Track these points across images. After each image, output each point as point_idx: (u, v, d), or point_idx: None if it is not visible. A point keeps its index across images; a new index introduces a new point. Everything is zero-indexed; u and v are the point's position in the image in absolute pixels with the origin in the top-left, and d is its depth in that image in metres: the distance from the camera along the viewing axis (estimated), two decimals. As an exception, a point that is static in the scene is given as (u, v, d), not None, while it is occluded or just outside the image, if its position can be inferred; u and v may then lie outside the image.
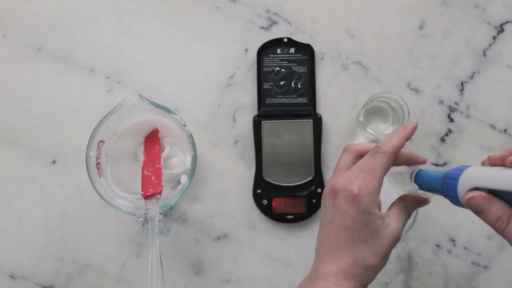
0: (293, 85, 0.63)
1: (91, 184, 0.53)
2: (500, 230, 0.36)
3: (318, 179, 0.62)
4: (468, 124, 0.63)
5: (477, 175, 0.37)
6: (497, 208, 0.36)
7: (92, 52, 0.64)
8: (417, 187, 0.45)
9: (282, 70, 0.63)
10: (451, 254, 0.62)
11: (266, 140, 0.62)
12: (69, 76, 0.64)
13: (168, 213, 0.63)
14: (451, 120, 0.63)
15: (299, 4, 0.64)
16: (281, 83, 0.63)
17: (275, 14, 0.64)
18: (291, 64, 0.63)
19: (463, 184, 0.38)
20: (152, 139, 0.59)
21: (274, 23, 0.64)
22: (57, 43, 0.64)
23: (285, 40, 0.63)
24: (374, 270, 0.43)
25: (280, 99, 0.63)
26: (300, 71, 0.63)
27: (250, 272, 0.62)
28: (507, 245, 0.62)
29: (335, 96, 0.64)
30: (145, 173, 0.56)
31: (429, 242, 0.62)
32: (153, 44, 0.64)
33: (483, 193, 0.36)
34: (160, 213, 0.52)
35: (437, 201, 0.48)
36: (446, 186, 0.40)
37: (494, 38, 0.64)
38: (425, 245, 0.62)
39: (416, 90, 0.63)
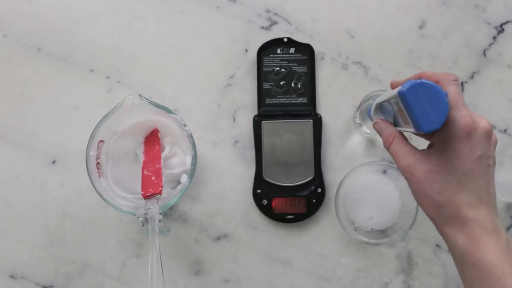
0: (293, 85, 0.63)
1: (91, 184, 0.53)
2: (387, 146, 0.45)
3: (318, 179, 0.62)
4: (468, 124, 0.63)
5: (377, 99, 0.50)
6: (388, 130, 0.46)
7: (92, 52, 0.64)
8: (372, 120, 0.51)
9: (282, 70, 0.63)
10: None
11: (266, 140, 0.62)
12: (69, 76, 0.64)
13: (168, 213, 0.63)
14: (451, 120, 0.63)
15: (299, 4, 0.64)
16: (281, 83, 0.63)
17: (275, 14, 0.64)
18: (291, 64, 0.63)
19: (373, 106, 0.51)
20: (152, 139, 0.59)
21: (274, 23, 0.64)
22: (57, 43, 0.64)
23: (285, 40, 0.63)
24: None
25: (280, 99, 0.63)
26: (300, 71, 0.63)
27: (250, 272, 0.62)
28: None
29: (335, 96, 0.64)
30: (145, 173, 0.56)
31: (429, 242, 0.62)
32: (153, 44, 0.64)
33: (382, 120, 0.48)
34: (160, 213, 0.52)
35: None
36: (368, 112, 0.54)
37: (494, 38, 0.64)
38: (425, 245, 0.62)
39: (416, 90, 0.63)
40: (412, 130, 0.41)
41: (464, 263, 0.41)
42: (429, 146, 0.45)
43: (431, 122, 0.39)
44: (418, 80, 0.39)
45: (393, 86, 0.48)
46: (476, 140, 0.41)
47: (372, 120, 0.51)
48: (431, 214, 0.43)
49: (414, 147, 0.44)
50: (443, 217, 0.42)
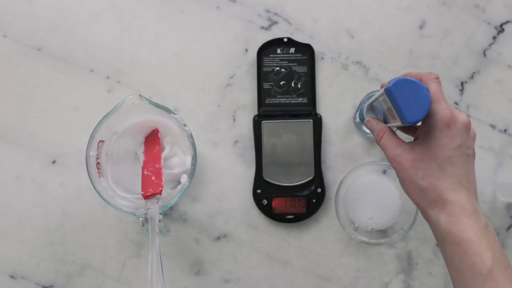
0: (293, 85, 0.63)
1: (91, 184, 0.53)
2: (377, 140, 0.50)
3: (318, 179, 0.62)
4: (468, 124, 0.63)
5: (370, 99, 0.54)
6: (379, 126, 0.50)
7: (92, 52, 0.64)
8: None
9: (282, 70, 0.63)
10: (451, 254, 0.62)
11: (266, 140, 0.62)
12: (69, 76, 0.64)
13: (168, 213, 0.63)
14: (451, 120, 0.63)
15: (299, 4, 0.64)
16: (281, 83, 0.63)
17: (275, 14, 0.64)
18: (291, 64, 0.63)
19: (366, 106, 0.55)
20: (152, 139, 0.59)
21: (274, 23, 0.64)
22: (57, 43, 0.64)
23: (285, 40, 0.63)
24: None
25: (280, 99, 0.63)
26: (300, 71, 0.63)
27: (250, 272, 0.62)
28: (506, 244, 0.62)
29: (335, 96, 0.64)
30: (145, 173, 0.56)
31: (429, 242, 0.62)
32: (153, 44, 0.64)
33: (373, 118, 0.52)
34: (160, 213, 0.52)
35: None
36: (361, 114, 0.58)
37: (494, 38, 0.64)
38: (425, 245, 0.62)
39: (416, 90, 0.63)
40: (399, 123, 0.45)
41: (446, 241, 0.45)
42: (414, 139, 0.49)
43: (415, 114, 0.43)
44: (402, 77, 0.44)
45: (382, 87, 0.51)
46: (455, 130, 0.45)
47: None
48: (416, 198, 0.47)
49: (402, 140, 0.48)
50: (426, 200, 0.46)
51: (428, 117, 0.45)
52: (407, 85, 0.43)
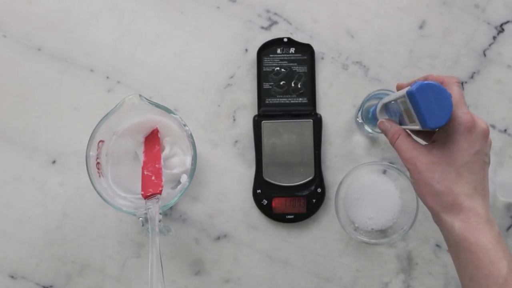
0: (293, 85, 0.63)
1: (91, 184, 0.53)
2: (392, 142, 0.49)
3: (318, 179, 0.62)
4: (468, 124, 0.63)
5: (383, 99, 0.53)
6: (394, 128, 0.49)
7: (92, 52, 0.64)
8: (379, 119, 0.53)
9: (282, 70, 0.63)
10: (451, 254, 0.62)
11: (266, 140, 0.62)
12: (69, 76, 0.64)
13: (168, 213, 0.63)
14: (451, 120, 0.63)
15: (299, 4, 0.64)
16: (281, 83, 0.63)
17: (275, 14, 0.64)
18: (291, 64, 0.63)
19: (379, 106, 0.54)
20: (152, 139, 0.59)
21: (274, 23, 0.64)
22: (57, 43, 0.64)
23: (285, 40, 0.63)
24: None
25: (280, 99, 0.63)
26: (300, 71, 0.63)
27: (250, 272, 0.62)
28: (506, 244, 0.62)
29: (335, 96, 0.64)
30: (145, 173, 0.56)
31: (429, 242, 0.62)
32: (153, 44, 0.64)
33: (387, 119, 0.51)
34: (160, 213, 0.52)
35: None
36: (374, 112, 0.57)
37: (494, 38, 0.64)
38: (425, 245, 0.62)
39: (416, 90, 0.63)
40: (417, 127, 0.44)
41: (460, 247, 0.44)
42: (431, 142, 0.48)
43: (437, 119, 0.43)
44: (426, 81, 0.43)
45: (398, 88, 0.52)
46: (475, 136, 0.44)
47: (377, 119, 0.54)
48: (430, 202, 0.46)
49: (418, 142, 0.48)
50: (441, 205, 0.45)
51: (449, 121, 0.44)
52: (431, 90, 0.42)
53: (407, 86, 0.45)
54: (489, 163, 0.46)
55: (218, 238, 0.63)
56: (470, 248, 0.43)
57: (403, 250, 0.62)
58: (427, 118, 0.42)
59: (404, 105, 0.46)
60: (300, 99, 0.63)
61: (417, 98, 0.43)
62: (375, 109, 0.56)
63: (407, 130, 0.49)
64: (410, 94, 0.43)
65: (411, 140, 0.48)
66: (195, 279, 0.62)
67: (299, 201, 0.62)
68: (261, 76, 0.63)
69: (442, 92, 0.42)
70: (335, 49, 0.64)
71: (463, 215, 0.44)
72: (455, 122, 0.44)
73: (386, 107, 0.54)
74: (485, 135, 0.45)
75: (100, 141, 0.55)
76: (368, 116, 0.60)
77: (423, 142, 0.49)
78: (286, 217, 0.62)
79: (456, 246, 0.45)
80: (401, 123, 0.50)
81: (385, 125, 0.51)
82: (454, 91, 0.45)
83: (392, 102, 0.50)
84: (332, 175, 0.63)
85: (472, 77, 0.64)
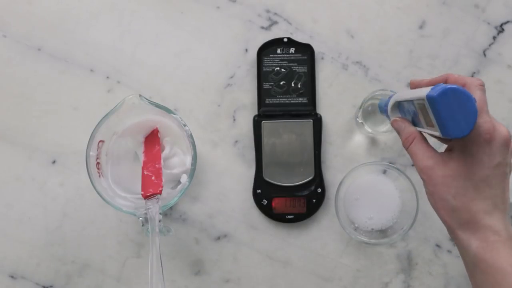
0: (293, 85, 0.63)
1: (91, 184, 0.53)
2: (406, 146, 0.45)
3: (318, 179, 0.62)
4: (468, 124, 0.63)
5: (396, 96, 0.48)
6: (408, 130, 0.45)
7: (92, 52, 0.64)
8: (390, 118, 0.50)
9: (282, 70, 0.63)
10: (451, 254, 0.62)
11: (266, 140, 0.62)
12: (69, 76, 0.64)
13: (168, 213, 0.63)
14: (451, 120, 0.63)
15: (299, 4, 0.64)
16: (281, 83, 0.63)
17: (275, 14, 0.64)
18: (291, 64, 0.63)
19: (391, 103, 0.49)
20: (152, 139, 0.59)
21: (274, 23, 0.64)
22: (57, 43, 0.64)
23: (285, 40, 0.63)
24: None
25: (280, 99, 0.63)
26: (300, 71, 0.63)
27: (250, 272, 0.62)
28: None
29: (335, 96, 0.64)
30: (145, 173, 0.56)
31: (429, 242, 0.62)
32: (153, 44, 0.64)
33: (402, 119, 0.47)
34: (160, 213, 0.52)
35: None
36: (385, 108, 0.50)
37: (494, 38, 0.64)
38: (425, 245, 0.62)
39: (416, 90, 0.63)
40: (436, 133, 0.40)
41: (476, 268, 0.42)
42: (447, 150, 0.45)
43: (460, 129, 0.38)
44: (449, 86, 0.38)
45: (413, 86, 0.48)
46: (496, 147, 0.41)
47: (387, 116, 0.51)
48: (445, 217, 0.43)
49: (434, 150, 0.44)
50: (457, 221, 0.42)
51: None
52: (455, 95, 0.38)
53: (425, 86, 0.41)
54: (510, 172, 0.43)
55: (218, 238, 0.63)
56: (487, 270, 0.41)
57: (403, 250, 0.62)
58: (449, 127, 0.38)
59: (421, 106, 0.42)
60: (300, 99, 0.63)
61: (439, 105, 0.38)
62: (385, 103, 0.51)
63: (422, 133, 0.45)
64: (431, 99, 0.38)
65: (426, 146, 0.44)
66: (195, 279, 0.62)
67: (299, 201, 0.62)
68: (261, 76, 0.63)
69: (467, 99, 0.38)
70: (335, 49, 0.64)
71: (481, 233, 0.41)
72: (474, 132, 0.40)
73: (398, 105, 0.49)
74: (507, 143, 0.41)
75: (100, 141, 0.55)
76: (367, 115, 0.60)
77: (437, 143, 0.46)
78: (286, 217, 0.62)
79: (472, 266, 0.42)
80: (415, 123, 0.46)
81: (399, 124, 0.47)
82: (477, 96, 0.41)
83: (407, 101, 0.45)
84: (332, 175, 0.63)
85: (472, 77, 0.63)
